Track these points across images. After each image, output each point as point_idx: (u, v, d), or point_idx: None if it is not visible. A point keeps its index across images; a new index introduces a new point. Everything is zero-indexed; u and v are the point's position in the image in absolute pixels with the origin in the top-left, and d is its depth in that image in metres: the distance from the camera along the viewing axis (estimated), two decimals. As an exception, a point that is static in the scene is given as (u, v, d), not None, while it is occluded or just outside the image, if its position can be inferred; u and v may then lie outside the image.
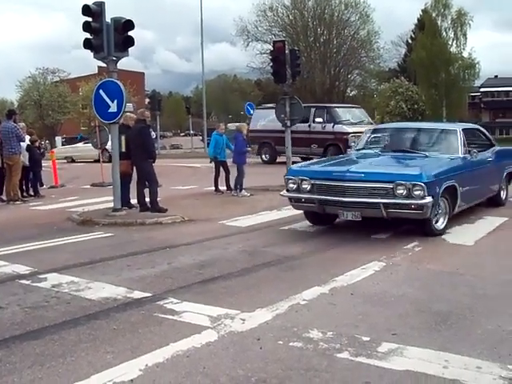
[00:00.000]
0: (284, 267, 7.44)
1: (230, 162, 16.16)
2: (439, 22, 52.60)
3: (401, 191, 8.52)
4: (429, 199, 8.47)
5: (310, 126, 25.93)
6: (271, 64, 17.85)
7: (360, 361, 4.39)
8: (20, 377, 4.25)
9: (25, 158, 16.48)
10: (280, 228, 10.25)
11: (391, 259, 7.67)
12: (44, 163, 18.86)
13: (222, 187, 15.91)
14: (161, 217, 11.40)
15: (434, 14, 53.01)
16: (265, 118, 26.86)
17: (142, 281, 6.87)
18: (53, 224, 11.36)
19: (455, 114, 52.44)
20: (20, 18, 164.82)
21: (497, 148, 12.25)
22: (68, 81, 63.22)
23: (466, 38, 51.88)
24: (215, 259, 7.98)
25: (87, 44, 11.37)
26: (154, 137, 21.34)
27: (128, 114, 13.22)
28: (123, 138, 12.19)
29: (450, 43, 52.32)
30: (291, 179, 9.70)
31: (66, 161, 36.27)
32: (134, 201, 12.62)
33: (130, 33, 11.44)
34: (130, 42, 11.49)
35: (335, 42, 63.41)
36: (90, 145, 22.65)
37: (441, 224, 9.25)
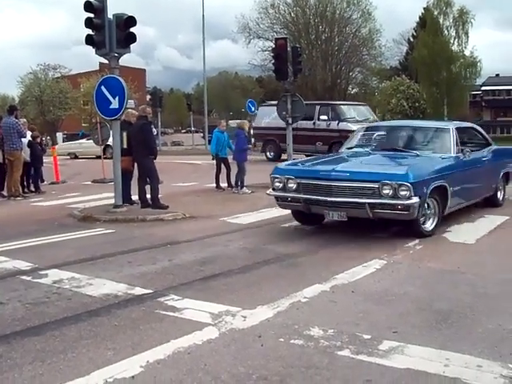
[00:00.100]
0: (285, 264, 7.44)
1: (230, 159, 16.17)
2: (441, 21, 52.51)
3: (387, 191, 8.35)
4: (415, 200, 8.28)
5: (314, 123, 25.83)
6: (273, 61, 17.88)
7: (361, 359, 4.39)
8: (21, 373, 4.25)
9: (26, 153, 16.47)
10: (281, 225, 10.25)
11: (392, 257, 7.67)
12: (45, 159, 18.86)
13: (223, 184, 15.91)
14: (162, 213, 11.41)
15: (435, 12, 52.93)
16: (269, 116, 26.70)
17: (142, 277, 6.88)
18: (54, 220, 11.37)
19: (456, 113, 52.35)
20: (19, 15, 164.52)
21: (493, 147, 12.04)
22: (69, 77, 63.09)
23: (467, 37, 51.83)
24: (216, 256, 7.98)
25: (89, 40, 11.37)
26: (156, 133, 21.28)
27: (130, 110, 13.21)
28: (125, 134, 12.18)
29: (452, 41, 52.24)
30: (277, 178, 9.55)
31: (69, 157, 36.24)
32: (135, 197, 12.62)
33: (132, 29, 11.45)
34: (132, 38, 11.48)
35: (337, 40, 63.37)
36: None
37: (430, 225, 9.06)
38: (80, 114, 62.52)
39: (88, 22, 11.23)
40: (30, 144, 16.88)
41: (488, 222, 10.33)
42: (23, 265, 7.58)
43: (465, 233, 9.33)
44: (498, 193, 11.97)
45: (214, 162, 16.44)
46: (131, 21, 11.38)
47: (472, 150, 10.78)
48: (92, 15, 11.20)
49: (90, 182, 19.66)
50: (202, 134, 57.35)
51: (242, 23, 62.54)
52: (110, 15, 11.26)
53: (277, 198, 9.68)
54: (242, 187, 15.31)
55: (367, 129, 11.96)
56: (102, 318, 5.46)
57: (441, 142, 10.27)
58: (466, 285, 6.40)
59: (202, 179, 18.67)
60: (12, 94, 75.46)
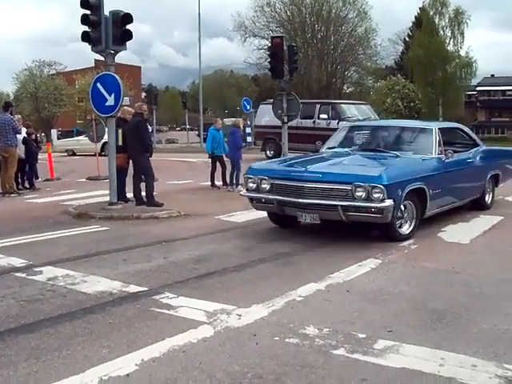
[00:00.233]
0: (280, 263, 7.44)
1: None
2: (437, 21, 52.73)
3: (360, 193, 8.08)
4: (389, 202, 8.00)
5: (314, 122, 25.64)
6: (268, 60, 17.92)
7: (356, 358, 4.40)
8: (15, 370, 4.24)
9: (20, 150, 16.42)
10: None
11: (387, 257, 7.68)
12: (40, 156, 18.82)
13: (219, 182, 15.90)
14: (157, 211, 11.39)
15: (431, 12, 53.14)
16: (269, 114, 26.54)
17: (137, 275, 6.86)
18: (48, 217, 11.34)
19: (451, 113, 52.55)
20: (14, 10, 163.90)
21: (480, 148, 11.66)
22: (64, 74, 62.86)
23: (463, 37, 52.10)
24: (211, 254, 7.97)
25: (85, 37, 11.34)
26: (151, 131, 21.27)
27: (125, 107, 13.20)
28: (120, 131, 12.16)
29: (447, 42, 52.46)
30: (250, 178, 9.32)
31: (66, 154, 36.17)
32: (129, 195, 12.60)
33: (129, 26, 11.42)
34: (128, 35, 11.47)
35: (332, 39, 63.50)
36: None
37: (406, 229, 8.79)
38: (75, 111, 62.30)
39: (84, 19, 11.20)
40: (24, 141, 16.84)
41: (483, 222, 10.35)
42: (18, 262, 7.56)
43: (459, 233, 9.33)
44: (486, 195, 11.61)
45: (210, 160, 16.43)
46: (128, 18, 11.35)
47: (457, 151, 10.61)
48: (88, 12, 11.17)
49: (84, 180, 19.62)
50: (197, 132, 57.31)
51: (238, 21, 62.69)
52: (106, 12, 11.22)
53: (251, 199, 9.47)
54: (237, 185, 15.29)
55: (350, 128, 11.74)
56: (97, 315, 5.45)
57: (422, 143, 10.00)
58: (460, 284, 6.41)
59: (197, 177, 18.65)
60: (7, 91, 75.21)
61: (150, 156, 12.35)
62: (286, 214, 9.07)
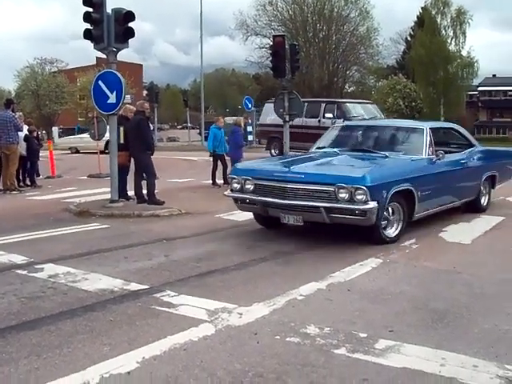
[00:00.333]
0: (281, 262, 7.43)
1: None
2: (438, 20, 52.74)
3: (343, 195, 7.87)
4: (373, 204, 7.78)
5: (319, 121, 25.46)
6: (270, 58, 17.88)
7: (357, 357, 4.40)
8: (16, 367, 4.24)
9: (22, 147, 16.42)
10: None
11: (388, 256, 7.68)
12: (41, 153, 18.83)
13: (220, 181, 15.89)
14: (158, 209, 11.39)
15: (433, 12, 53.13)
16: (274, 113, 26.61)
17: (138, 273, 6.87)
18: (49, 214, 11.34)
19: (453, 113, 52.54)
20: (18, 8, 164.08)
21: (476, 149, 11.33)
22: (66, 71, 62.88)
23: (465, 37, 52.12)
24: (212, 252, 7.97)
25: (87, 35, 11.34)
26: (152, 129, 21.25)
27: (127, 105, 13.20)
28: (121, 129, 12.16)
29: (449, 41, 52.51)
30: (235, 179, 9.16)
31: (70, 151, 36.11)
32: (131, 192, 12.60)
33: (131, 24, 11.42)
34: (131, 33, 11.47)
35: (334, 38, 63.48)
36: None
37: (393, 231, 8.55)
38: (76, 109, 62.33)
39: (86, 17, 11.20)
40: (26, 138, 16.83)
41: (484, 222, 10.34)
42: (19, 259, 7.56)
43: (461, 233, 9.33)
44: (482, 197, 11.33)
45: (211, 158, 16.43)
46: (130, 16, 11.36)
47: (451, 152, 10.49)
48: (90, 9, 11.18)
49: (85, 177, 19.61)
50: (198, 131, 57.35)
51: (240, 20, 62.74)
52: (108, 10, 11.22)
53: (235, 199, 9.31)
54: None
55: (341, 128, 11.56)
56: (98, 313, 5.45)
57: (413, 143, 9.81)
58: (462, 284, 6.41)
59: (198, 175, 18.64)
60: (8, 88, 75.28)
61: (152, 154, 12.36)
62: (270, 215, 8.92)
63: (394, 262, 7.38)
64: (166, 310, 5.51)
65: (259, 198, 8.74)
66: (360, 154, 9.62)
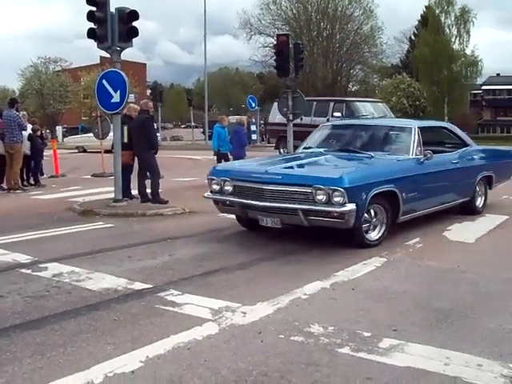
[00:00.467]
0: (285, 261, 7.43)
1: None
2: (442, 19, 52.55)
3: (320, 197, 7.59)
4: (351, 206, 7.50)
5: (328, 120, 25.35)
6: (274, 57, 17.86)
7: (361, 356, 4.39)
8: (20, 366, 4.24)
9: (26, 146, 16.45)
10: (281, 222, 10.21)
11: (392, 255, 7.66)
12: (46, 152, 18.86)
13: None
14: (162, 208, 11.40)
15: (437, 11, 52.96)
16: None
17: (142, 272, 6.87)
18: (53, 213, 11.36)
19: (457, 112, 52.51)
20: (19, 7, 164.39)
21: (469, 148, 10.97)
22: (70, 70, 63.01)
23: (469, 36, 51.90)
24: (216, 251, 7.97)
25: (91, 34, 11.35)
26: (156, 128, 21.26)
27: (131, 104, 13.20)
28: (125, 128, 12.17)
29: (453, 40, 52.28)
30: (214, 180, 8.97)
31: (77, 150, 36.12)
32: (135, 192, 12.61)
33: (135, 23, 11.42)
34: (134, 32, 11.47)
35: (338, 37, 63.45)
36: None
37: (375, 235, 8.25)
38: (80, 108, 62.49)
39: (90, 16, 11.21)
40: (30, 137, 16.86)
41: (488, 221, 10.31)
42: (23, 258, 7.57)
43: (465, 232, 9.31)
44: (478, 198, 10.94)
45: (215, 157, 16.42)
46: (134, 15, 11.36)
47: (443, 152, 10.31)
48: (94, 9, 11.19)
49: (89, 176, 19.64)
50: (201, 130, 57.35)
51: (244, 19, 62.79)
52: (112, 9, 11.24)
53: (215, 201, 9.17)
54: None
55: (329, 127, 11.28)
56: (102, 312, 5.45)
57: (400, 143, 9.52)
58: (466, 284, 6.39)
59: (202, 174, 18.43)
60: (12, 87, 75.49)
61: (156, 153, 12.36)
62: (250, 217, 8.72)
63: (398, 261, 7.36)
64: (170, 309, 5.51)
65: (238, 199, 8.55)
66: (345, 154, 9.32)
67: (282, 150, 27.42)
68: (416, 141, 9.25)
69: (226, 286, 6.29)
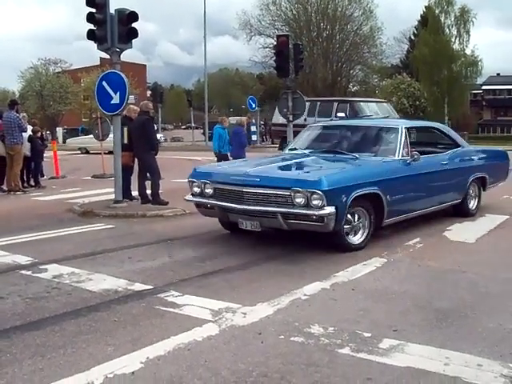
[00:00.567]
0: (285, 261, 7.43)
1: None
2: (442, 19, 52.53)
3: (299, 199, 7.43)
4: (330, 209, 7.30)
5: (331, 120, 25.38)
6: (274, 58, 17.86)
7: (361, 357, 4.39)
8: (21, 367, 4.24)
9: (26, 148, 16.45)
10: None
11: (392, 255, 7.66)
12: (46, 153, 18.87)
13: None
14: (162, 209, 11.40)
15: (437, 11, 52.94)
16: None
17: (142, 273, 6.87)
18: (53, 215, 11.37)
19: (457, 112, 52.51)
20: (18, 9, 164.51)
21: (461, 149, 10.66)
22: (70, 72, 62.99)
23: (468, 36, 51.87)
24: (216, 252, 7.97)
25: (91, 35, 11.35)
26: (156, 129, 21.25)
27: (131, 106, 13.21)
28: (125, 129, 12.17)
29: (453, 40, 52.25)
30: (194, 182, 8.83)
31: (80, 151, 36.11)
32: (135, 193, 12.61)
33: (134, 24, 11.43)
34: (134, 33, 11.47)
35: (338, 38, 63.48)
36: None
37: (358, 238, 8.03)
38: (80, 109, 62.51)
39: (90, 17, 11.22)
40: (30, 139, 16.86)
41: (488, 221, 10.31)
42: (23, 259, 7.58)
43: (465, 232, 9.31)
44: (471, 201, 10.73)
45: (215, 158, 16.42)
46: (133, 16, 11.37)
47: (434, 152, 10.21)
48: (94, 10, 11.20)
49: (89, 177, 19.65)
50: (201, 131, 57.38)
51: (244, 20, 62.87)
52: (111, 10, 11.24)
53: (196, 204, 9.03)
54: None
55: (315, 128, 10.92)
56: (102, 313, 5.46)
57: (387, 144, 9.28)
58: (466, 284, 6.39)
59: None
60: (12, 89, 75.57)
61: (156, 154, 12.37)
62: (231, 220, 8.57)
63: (398, 261, 7.37)
64: (170, 310, 5.51)
65: (218, 202, 8.41)
66: (330, 155, 9.12)
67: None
68: (402, 142, 9.01)
69: (225, 286, 6.29)
